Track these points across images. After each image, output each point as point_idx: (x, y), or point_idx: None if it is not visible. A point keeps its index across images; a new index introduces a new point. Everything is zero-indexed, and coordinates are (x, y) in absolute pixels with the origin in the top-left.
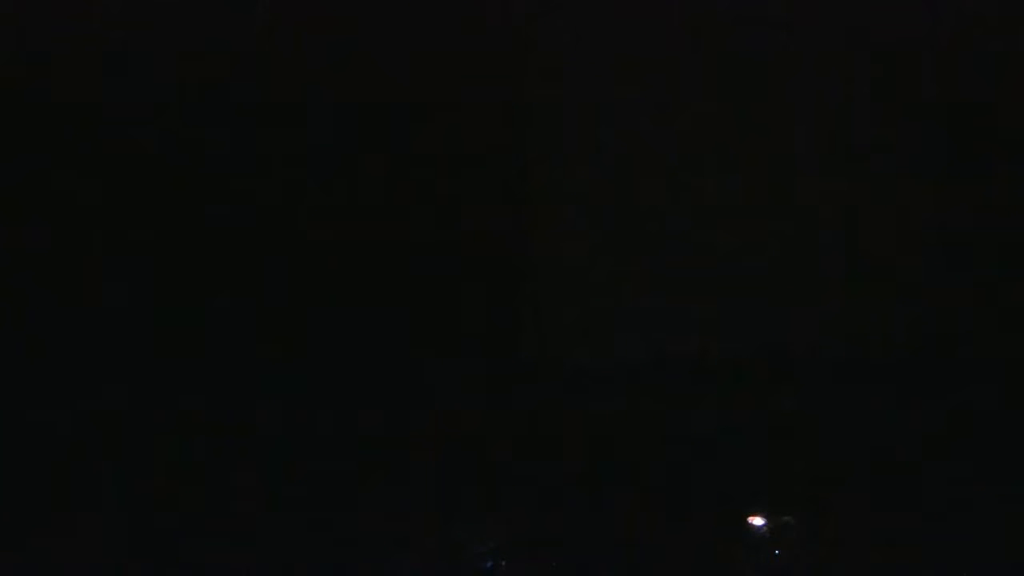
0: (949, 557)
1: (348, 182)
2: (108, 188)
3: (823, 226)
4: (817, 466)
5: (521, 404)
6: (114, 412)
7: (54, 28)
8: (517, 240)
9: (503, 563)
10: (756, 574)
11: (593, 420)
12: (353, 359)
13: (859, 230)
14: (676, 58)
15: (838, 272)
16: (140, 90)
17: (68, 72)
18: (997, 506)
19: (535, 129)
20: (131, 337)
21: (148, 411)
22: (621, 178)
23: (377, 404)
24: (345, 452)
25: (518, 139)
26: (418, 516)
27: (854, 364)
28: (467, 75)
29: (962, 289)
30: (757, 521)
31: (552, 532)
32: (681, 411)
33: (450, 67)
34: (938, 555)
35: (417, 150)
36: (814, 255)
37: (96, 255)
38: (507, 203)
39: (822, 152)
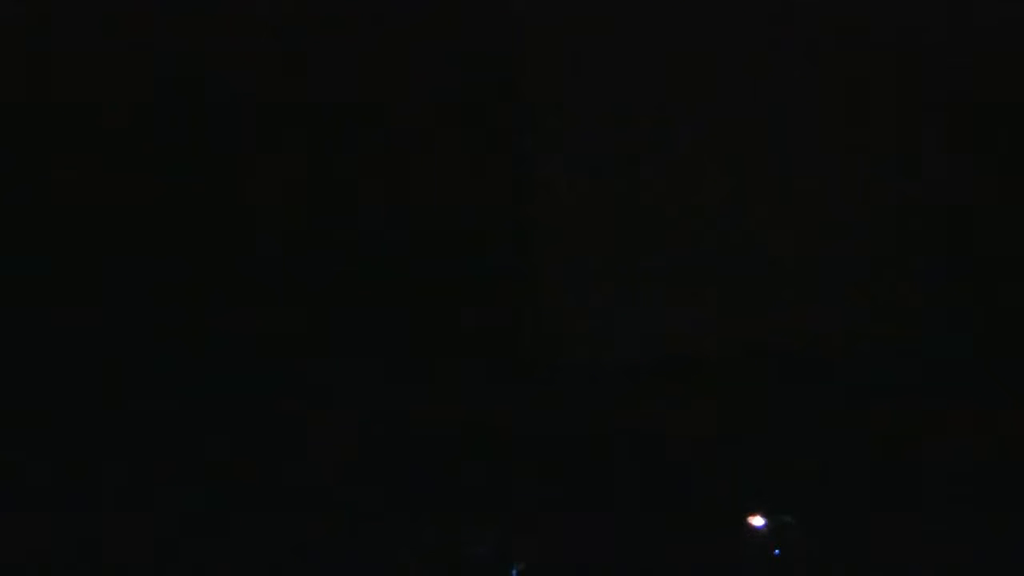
0: (949, 557)
1: (345, 180)
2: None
3: (822, 225)
4: (817, 466)
5: (520, 404)
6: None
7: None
8: (517, 239)
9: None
10: (756, 574)
11: (593, 420)
12: (353, 359)
13: (858, 230)
14: (678, 57)
15: (837, 271)
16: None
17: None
18: (997, 505)
19: (536, 125)
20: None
21: (140, 408)
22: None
23: (376, 404)
24: (344, 452)
25: (519, 135)
26: (418, 516)
27: (854, 363)
28: (468, 68)
29: (962, 289)
30: (757, 521)
31: (551, 532)
32: (680, 411)
33: (451, 60)
34: (938, 555)
35: (416, 147)
36: (814, 254)
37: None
38: (506, 201)
39: (822, 152)
